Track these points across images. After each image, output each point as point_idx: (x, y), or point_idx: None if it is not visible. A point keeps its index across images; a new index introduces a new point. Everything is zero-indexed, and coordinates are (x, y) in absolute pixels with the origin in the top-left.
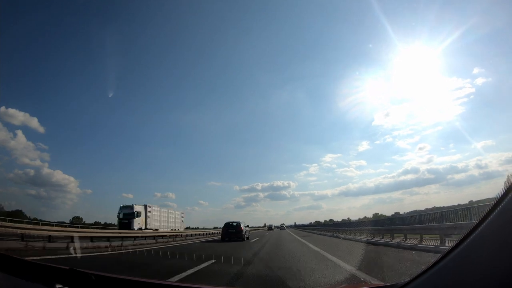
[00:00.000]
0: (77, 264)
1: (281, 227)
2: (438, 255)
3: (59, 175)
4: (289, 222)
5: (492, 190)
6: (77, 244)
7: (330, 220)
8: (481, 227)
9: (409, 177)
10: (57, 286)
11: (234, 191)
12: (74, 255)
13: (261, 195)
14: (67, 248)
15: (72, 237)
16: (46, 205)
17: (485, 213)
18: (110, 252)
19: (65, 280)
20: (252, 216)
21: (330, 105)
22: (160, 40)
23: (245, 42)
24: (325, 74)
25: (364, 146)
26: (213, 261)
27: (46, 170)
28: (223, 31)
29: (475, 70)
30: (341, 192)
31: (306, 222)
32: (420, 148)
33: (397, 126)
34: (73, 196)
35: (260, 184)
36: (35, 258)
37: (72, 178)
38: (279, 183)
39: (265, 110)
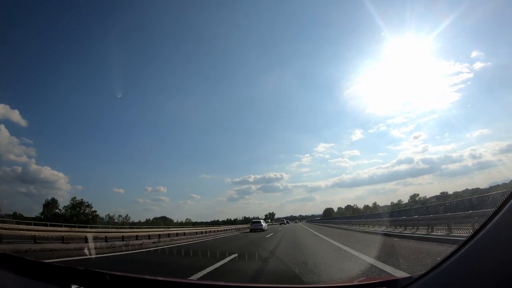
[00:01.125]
0: (93, 265)
1: (283, 221)
2: (454, 246)
3: (47, 171)
4: (283, 214)
5: (486, 180)
6: (91, 245)
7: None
8: (497, 217)
9: (403, 167)
10: (73, 287)
11: (226, 183)
12: (88, 255)
13: (254, 187)
14: (82, 249)
15: (86, 238)
16: (37, 203)
17: (501, 202)
18: (125, 252)
19: (81, 280)
20: (246, 209)
21: (321, 90)
22: (147, 30)
23: (231, 21)
24: (315, 55)
25: (357, 135)
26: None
27: (34, 167)
28: (207, 9)
29: (474, 54)
30: (335, 183)
31: (296, 214)
32: (415, 137)
33: (391, 114)
34: (63, 192)
35: (252, 176)
36: (50, 260)
37: (61, 174)
38: (272, 174)
39: (254, 96)
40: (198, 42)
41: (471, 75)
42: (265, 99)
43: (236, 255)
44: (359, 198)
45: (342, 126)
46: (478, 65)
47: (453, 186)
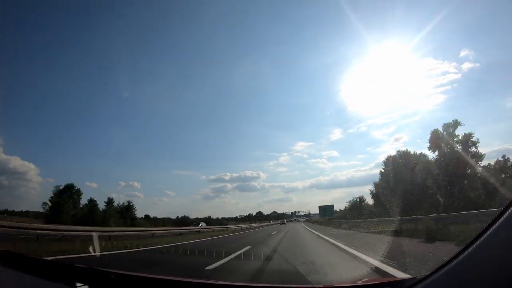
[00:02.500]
0: (99, 263)
1: (283, 221)
2: (458, 248)
3: (17, 162)
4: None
5: None
6: (96, 243)
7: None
8: (502, 218)
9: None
10: (77, 285)
11: (201, 181)
12: (93, 253)
13: (229, 186)
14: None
15: (91, 236)
16: (10, 195)
17: (508, 203)
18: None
19: (85, 278)
20: (223, 209)
21: (300, 82)
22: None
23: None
24: (294, 40)
25: (336, 134)
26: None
27: (2, 156)
28: None
29: (463, 52)
30: (312, 184)
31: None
32: (396, 139)
33: (373, 114)
34: (35, 185)
35: (228, 174)
36: (54, 257)
37: (32, 165)
38: (248, 173)
39: (228, 85)
40: (164, 24)
41: (459, 76)
42: (240, 90)
43: None
44: (336, 200)
45: (322, 124)
46: (466, 66)
47: None
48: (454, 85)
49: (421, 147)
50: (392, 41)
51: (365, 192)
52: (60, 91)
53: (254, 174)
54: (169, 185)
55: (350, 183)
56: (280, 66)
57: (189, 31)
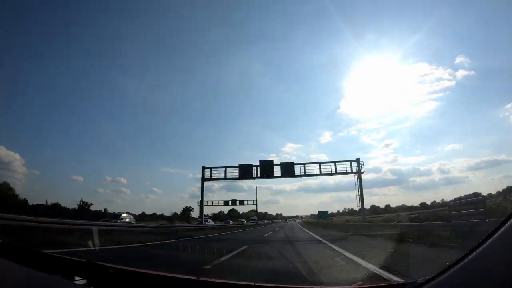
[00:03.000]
0: (98, 258)
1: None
2: (462, 253)
3: (2, 151)
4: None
5: (451, 196)
6: (95, 237)
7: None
8: (506, 225)
9: (370, 176)
10: (76, 278)
11: (188, 179)
12: (93, 248)
13: (216, 185)
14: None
15: (91, 230)
16: None
17: (508, 213)
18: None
19: (83, 272)
20: (209, 208)
21: (291, 81)
22: None
23: None
24: (287, 36)
25: (326, 137)
26: None
27: None
28: None
29: (459, 59)
30: (300, 187)
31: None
32: (386, 145)
33: (364, 118)
34: (20, 176)
35: (216, 174)
36: (53, 251)
37: (17, 156)
38: (236, 173)
39: (217, 82)
40: (155, 16)
41: (453, 83)
42: (231, 86)
43: None
44: (323, 204)
45: (311, 126)
46: (461, 73)
47: (417, 200)
48: (448, 92)
49: (410, 153)
50: (386, 44)
51: (353, 197)
52: (46, 81)
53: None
54: (157, 182)
55: (338, 187)
56: (272, 63)
57: (180, 24)
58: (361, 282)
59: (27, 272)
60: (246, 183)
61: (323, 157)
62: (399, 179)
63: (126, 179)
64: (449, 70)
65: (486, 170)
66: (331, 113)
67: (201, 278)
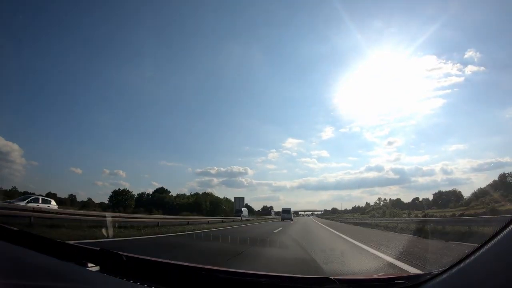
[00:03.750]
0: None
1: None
2: (474, 246)
3: (0, 141)
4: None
5: None
6: (110, 227)
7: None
8: None
9: (372, 174)
10: (89, 265)
11: (188, 173)
12: (107, 238)
13: (216, 180)
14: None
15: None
16: None
17: None
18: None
19: (97, 260)
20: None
21: (293, 72)
22: None
23: None
24: (287, 22)
25: (328, 133)
26: None
27: None
28: None
29: (469, 53)
30: (300, 184)
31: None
32: (389, 143)
33: (367, 114)
34: (19, 167)
35: (215, 168)
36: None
37: (16, 146)
38: (235, 169)
39: (216, 71)
40: (149, 2)
41: (461, 79)
42: (229, 76)
43: None
44: (323, 202)
45: (312, 121)
46: (470, 69)
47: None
48: (455, 89)
49: (414, 152)
50: (393, 34)
51: (354, 196)
52: (44, 71)
53: (242, 169)
54: (156, 176)
55: (338, 185)
56: (271, 51)
57: (178, 11)
58: (379, 273)
59: (43, 259)
60: (246, 179)
61: (324, 154)
62: (401, 179)
63: (125, 172)
64: (458, 65)
65: (489, 172)
66: (333, 107)
67: (213, 267)
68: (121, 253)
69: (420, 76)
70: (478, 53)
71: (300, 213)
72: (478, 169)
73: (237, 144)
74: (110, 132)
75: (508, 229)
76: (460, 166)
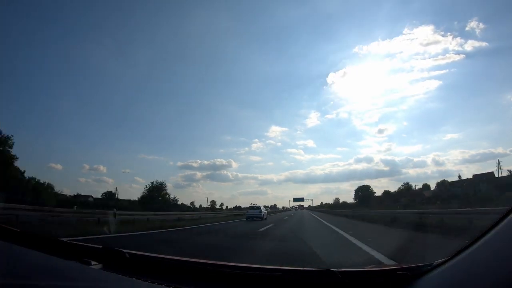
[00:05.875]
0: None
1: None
2: (468, 240)
3: None
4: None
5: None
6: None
7: None
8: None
9: (362, 166)
10: (92, 263)
11: (170, 167)
12: (108, 234)
13: (199, 174)
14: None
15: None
16: None
17: None
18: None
19: (100, 258)
20: (195, 198)
21: (269, 42)
22: None
23: None
24: None
25: (313, 119)
26: None
27: None
28: None
29: (471, 24)
30: (287, 178)
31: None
32: (380, 131)
33: (355, 96)
34: None
35: (198, 161)
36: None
37: None
38: (218, 161)
39: (179, 43)
40: None
41: (460, 57)
42: (192, 49)
43: None
44: (311, 196)
45: (296, 106)
46: (471, 44)
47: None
48: (453, 69)
49: (406, 142)
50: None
51: (342, 188)
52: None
53: (225, 162)
54: (137, 170)
55: (327, 178)
56: (241, 17)
57: None
58: (378, 264)
59: (44, 259)
60: (231, 172)
61: (311, 144)
62: (392, 171)
63: (106, 168)
64: (458, 38)
65: (481, 164)
66: (317, 89)
67: (218, 262)
68: (124, 250)
69: (415, 52)
70: (481, 24)
71: (293, 207)
72: (470, 160)
73: (217, 134)
74: (82, 123)
75: (506, 219)
76: (452, 157)
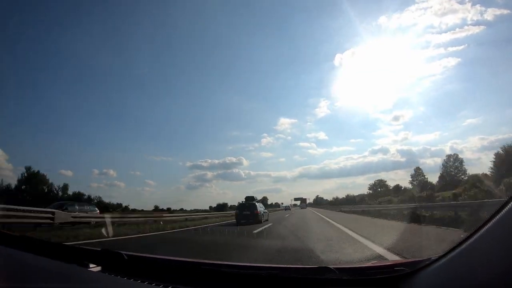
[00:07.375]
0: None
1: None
2: (467, 233)
3: None
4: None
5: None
6: (109, 227)
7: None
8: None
9: (378, 157)
10: (91, 266)
11: (179, 168)
12: (107, 237)
13: (210, 174)
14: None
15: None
16: None
17: None
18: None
19: (98, 260)
20: (210, 199)
21: (267, 20)
22: None
23: None
24: None
25: (323, 109)
26: None
27: None
28: None
29: None
30: (301, 174)
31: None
32: (395, 118)
33: (366, 80)
34: (7, 172)
35: (208, 161)
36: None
37: None
38: (228, 160)
39: (173, 31)
40: None
41: (481, 28)
42: (191, 36)
43: None
44: (328, 192)
45: (304, 94)
46: (493, 12)
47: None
48: (471, 45)
49: (423, 130)
50: None
51: (358, 183)
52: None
53: (235, 160)
54: (147, 172)
55: (342, 173)
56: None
57: None
58: (377, 260)
59: (44, 263)
60: (243, 170)
61: (322, 136)
62: (409, 161)
63: (116, 171)
64: (478, 6)
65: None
66: (325, 73)
67: (215, 262)
68: (122, 252)
69: (429, 26)
70: None
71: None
72: (489, 147)
73: (224, 130)
74: (85, 124)
75: (504, 211)
76: (470, 144)
